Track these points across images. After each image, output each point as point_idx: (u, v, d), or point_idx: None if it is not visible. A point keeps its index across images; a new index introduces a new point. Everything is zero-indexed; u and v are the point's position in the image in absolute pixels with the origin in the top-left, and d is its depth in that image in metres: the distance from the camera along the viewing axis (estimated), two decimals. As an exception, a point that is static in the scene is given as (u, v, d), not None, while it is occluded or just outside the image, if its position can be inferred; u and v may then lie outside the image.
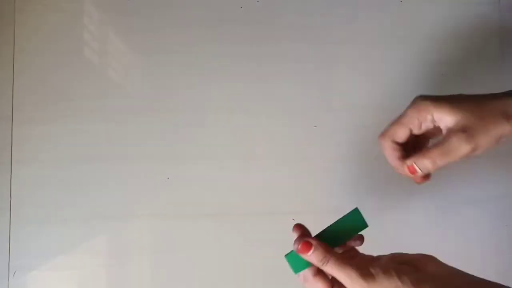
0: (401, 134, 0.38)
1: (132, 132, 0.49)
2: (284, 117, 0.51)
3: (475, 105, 0.36)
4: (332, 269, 0.34)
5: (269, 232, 0.50)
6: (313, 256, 0.35)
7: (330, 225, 0.38)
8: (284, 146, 0.51)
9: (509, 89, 0.38)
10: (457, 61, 0.55)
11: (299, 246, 0.36)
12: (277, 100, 0.51)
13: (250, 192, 0.50)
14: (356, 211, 0.38)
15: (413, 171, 0.38)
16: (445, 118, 0.36)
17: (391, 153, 0.39)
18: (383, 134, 0.40)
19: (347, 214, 0.39)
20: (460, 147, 0.35)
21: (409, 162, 0.38)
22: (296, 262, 0.38)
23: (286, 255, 0.38)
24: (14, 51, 0.49)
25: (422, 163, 0.37)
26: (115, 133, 0.49)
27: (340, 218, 0.38)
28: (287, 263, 0.51)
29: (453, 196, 0.53)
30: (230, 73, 0.51)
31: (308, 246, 0.36)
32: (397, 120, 0.39)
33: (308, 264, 0.37)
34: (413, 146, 0.40)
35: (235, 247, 0.50)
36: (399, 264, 0.34)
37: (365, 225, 0.38)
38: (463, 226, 0.53)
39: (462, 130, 0.35)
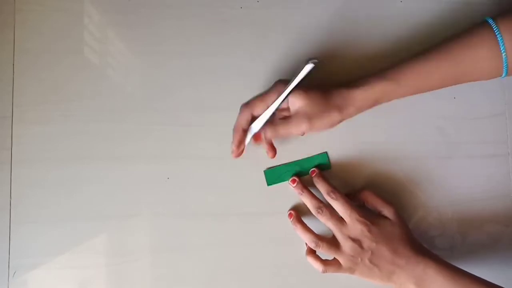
0: (259, 109, 0.47)
1: (132, 132, 0.49)
2: (284, 117, 0.51)
3: (320, 97, 0.45)
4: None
5: (269, 232, 0.50)
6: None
7: (301, 160, 0.51)
8: (284, 146, 0.51)
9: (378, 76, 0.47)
10: (457, 61, 0.54)
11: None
12: (277, 100, 0.51)
13: (250, 192, 0.50)
14: (324, 155, 0.51)
15: (257, 138, 0.48)
16: (296, 102, 0.45)
17: (243, 122, 0.47)
18: (246, 104, 0.48)
19: (316, 154, 0.51)
20: (299, 125, 0.45)
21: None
22: (271, 177, 0.51)
23: (265, 170, 0.51)
24: (14, 51, 0.49)
25: (266, 131, 0.47)
26: (115, 133, 0.49)
27: (311, 157, 0.51)
28: (287, 261, 0.51)
29: (453, 196, 0.53)
30: (230, 73, 0.51)
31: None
32: (259, 97, 0.47)
33: (280, 180, 0.50)
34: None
35: (235, 247, 0.50)
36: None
37: (328, 167, 0.51)
38: (462, 226, 0.53)
39: (305, 115, 0.45)
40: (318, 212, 0.47)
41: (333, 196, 0.47)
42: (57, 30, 0.49)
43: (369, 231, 0.45)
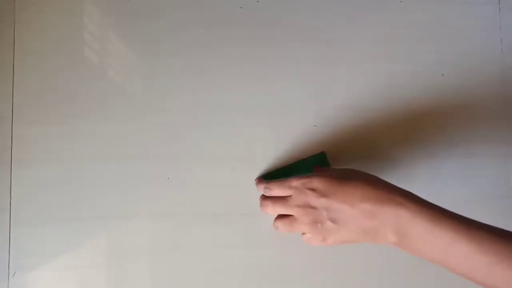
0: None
1: (132, 132, 0.49)
2: (284, 117, 0.51)
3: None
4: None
5: (269, 232, 0.50)
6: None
7: (299, 161, 0.49)
8: (284, 146, 0.51)
9: None
10: (457, 61, 0.55)
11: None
12: (277, 100, 0.51)
13: (250, 192, 0.50)
14: (323, 155, 0.49)
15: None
16: None
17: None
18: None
19: (314, 155, 0.49)
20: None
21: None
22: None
23: (261, 176, 0.50)
24: (14, 51, 0.49)
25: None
26: (115, 133, 0.49)
27: (308, 157, 0.49)
28: (287, 261, 0.51)
29: (453, 196, 0.53)
30: (230, 73, 0.51)
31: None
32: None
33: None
34: None
35: (235, 247, 0.50)
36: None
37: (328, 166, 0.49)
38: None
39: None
40: (262, 208, 0.46)
41: (268, 188, 0.45)
42: (57, 30, 0.49)
43: (311, 188, 0.41)
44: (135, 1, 0.50)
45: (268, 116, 0.51)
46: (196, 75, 0.51)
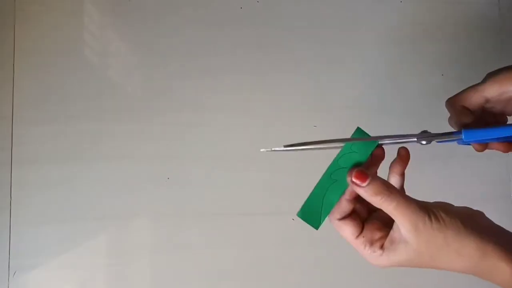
0: (475, 100, 0.31)
1: (132, 132, 0.49)
2: (284, 117, 0.51)
3: None
4: (397, 206, 0.29)
5: (269, 232, 0.50)
6: (368, 188, 0.29)
7: (342, 151, 0.35)
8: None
9: None
10: (457, 61, 0.55)
11: (353, 174, 0.30)
12: (277, 100, 0.51)
13: (250, 192, 0.50)
14: (359, 130, 0.35)
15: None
16: None
17: (457, 119, 0.31)
18: (451, 98, 0.31)
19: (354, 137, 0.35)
20: None
21: None
22: (311, 217, 0.34)
23: (297, 213, 0.34)
24: (14, 51, 0.49)
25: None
26: (115, 133, 0.49)
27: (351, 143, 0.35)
28: (287, 261, 0.51)
29: (453, 196, 0.53)
30: (230, 73, 0.51)
31: (363, 176, 0.29)
32: (472, 87, 0.31)
33: (325, 216, 0.33)
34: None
35: (235, 247, 0.50)
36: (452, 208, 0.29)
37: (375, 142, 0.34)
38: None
39: None
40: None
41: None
42: (57, 30, 0.49)
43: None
44: (136, 1, 0.50)
45: (268, 116, 0.51)
46: (196, 75, 0.51)
